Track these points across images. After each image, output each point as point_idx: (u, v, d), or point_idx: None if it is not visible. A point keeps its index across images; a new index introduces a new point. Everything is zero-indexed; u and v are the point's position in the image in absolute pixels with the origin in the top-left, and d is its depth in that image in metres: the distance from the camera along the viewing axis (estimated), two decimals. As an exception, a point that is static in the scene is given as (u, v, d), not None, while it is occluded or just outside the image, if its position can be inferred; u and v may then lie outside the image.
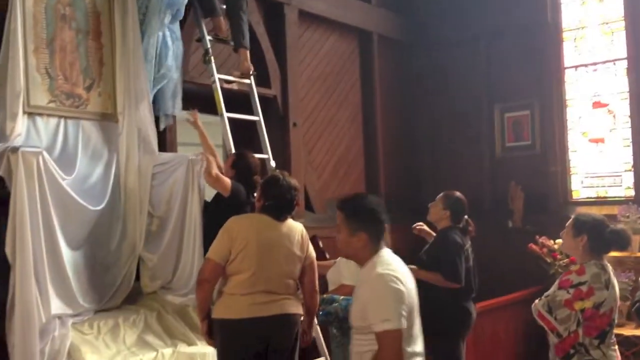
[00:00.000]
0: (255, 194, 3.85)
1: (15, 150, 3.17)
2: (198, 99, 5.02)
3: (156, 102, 4.30)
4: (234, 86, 5.10)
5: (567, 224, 3.15)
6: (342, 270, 3.94)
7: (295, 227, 3.32)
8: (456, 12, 7.11)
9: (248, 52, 4.74)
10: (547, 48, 6.69)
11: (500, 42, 6.88)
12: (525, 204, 6.54)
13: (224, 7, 4.73)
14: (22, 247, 3.10)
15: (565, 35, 6.75)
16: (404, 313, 2.39)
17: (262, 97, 5.06)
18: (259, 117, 4.75)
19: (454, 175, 7.00)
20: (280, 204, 3.24)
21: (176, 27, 4.37)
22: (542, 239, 5.78)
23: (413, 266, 4.10)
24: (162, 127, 4.38)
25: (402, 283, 2.43)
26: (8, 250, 3.08)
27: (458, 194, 4.18)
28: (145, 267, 3.97)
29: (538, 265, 5.82)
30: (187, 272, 3.97)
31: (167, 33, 4.26)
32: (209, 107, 4.98)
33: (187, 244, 3.92)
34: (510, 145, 6.97)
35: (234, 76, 4.69)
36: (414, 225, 4.40)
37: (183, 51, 4.45)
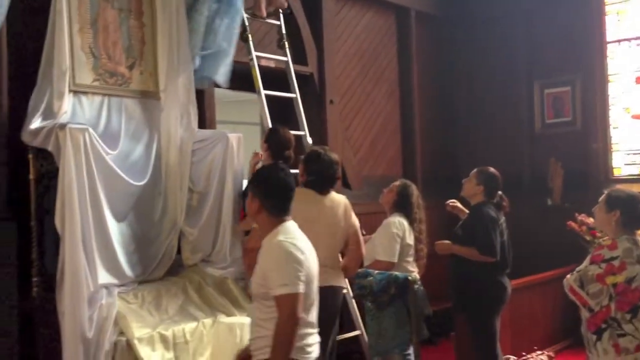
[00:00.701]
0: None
1: (63, 126, 3.29)
2: (236, 76, 5.10)
3: (203, 64, 4.30)
4: (271, 64, 5.16)
5: (600, 199, 3.15)
6: (376, 246, 4.00)
7: (338, 199, 3.41)
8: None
9: None
10: (588, 22, 6.56)
11: (540, 17, 6.77)
12: (564, 181, 6.48)
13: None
14: (70, 219, 3.23)
15: (607, 9, 6.59)
16: (302, 279, 2.48)
17: (298, 75, 5.10)
18: (295, 94, 4.80)
19: (492, 152, 6.95)
20: (322, 178, 3.34)
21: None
22: (582, 217, 5.71)
23: (447, 241, 4.14)
24: (199, 87, 4.38)
25: (301, 252, 2.51)
26: (57, 222, 3.22)
27: (492, 169, 4.19)
28: (186, 240, 4.08)
29: (577, 243, 5.77)
30: (225, 246, 4.07)
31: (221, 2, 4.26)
32: (247, 84, 5.06)
33: (225, 218, 4.01)
34: (550, 122, 6.89)
35: (265, 11, 4.67)
36: (447, 202, 4.42)
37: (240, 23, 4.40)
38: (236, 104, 6.74)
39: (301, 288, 2.47)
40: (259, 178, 2.70)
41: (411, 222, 4.07)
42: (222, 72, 4.33)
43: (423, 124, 6.86)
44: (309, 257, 2.58)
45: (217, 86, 4.83)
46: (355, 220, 3.52)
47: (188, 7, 4.22)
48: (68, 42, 3.71)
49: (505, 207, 4.18)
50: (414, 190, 4.16)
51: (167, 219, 3.98)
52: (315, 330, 2.62)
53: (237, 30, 4.37)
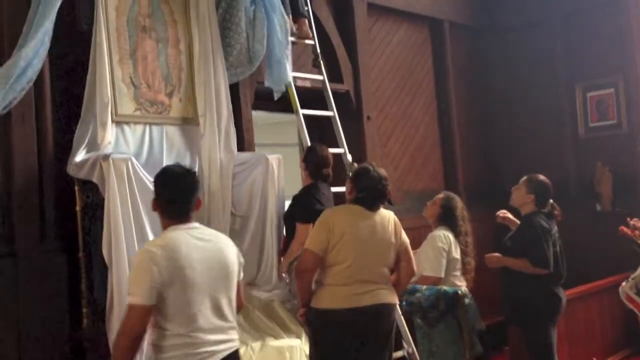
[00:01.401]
0: (324, 184, 3.93)
1: (106, 157, 3.34)
2: (271, 97, 5.13)
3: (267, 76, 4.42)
4: (307, 84, 5.17)
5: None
6: (422, 261, 3.93)
7: (387, 215, 3.38)
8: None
9: (306, 20, 4.80)
10: (629, 22, 6.39)
11: (577, 19, 6.65)
12: (613, 185, 6.28)
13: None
14: (117, 249, 3.26)
15: (648, 6, 6.43)
16: (148, 290, 2.41)
17: (335, 93, 5.09)
18: (333, 112, 4.79)
19: (535, 160, 6.80)
20: (372, 194, 3.31)
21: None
22: (634, 221, 5.52)
23: (497, 254, 4.05)
24: (275, 96, 4.48)
25: (162, 259, 2.44)
26: (105, 252, 3.26)
27: (542, 177, 4.09)
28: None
29: (630, 249, 5.58)
30: (269, 269, 4.06)
31: (261, 7, 4.31)
32: (284, 105, 5.09)
33: (268, 241, 4.01)
34: (594, 125, 6.72)
35: (294, 36, 4.69)
36: (497, 212, 4.32)
37: (284, 22, 4.41)
38: (274, 126, 6.76)
39: (148, 300, 2.41)
40: (157, 180, 2.74)
41: (457, 235, 4.00)
42: (282, 78, 4.40)
43: (462, 135, 6.77)
44: (183, 262, 2.48)
45: (255, 108, 4.90)
46: (405, 237, 3.47)
47: (222, 24, 4.31)
48: (109, 74, 3.80)
49: (557, 215, 4.06)
50: (458, 202, 4.09)
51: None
52: (216, 337, 2.54)
53: (283, 31, 4.37)
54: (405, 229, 5.47)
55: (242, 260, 2.83)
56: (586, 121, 6.76)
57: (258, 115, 5.17)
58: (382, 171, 3.43)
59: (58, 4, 3.54)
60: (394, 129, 6.18)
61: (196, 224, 2.69)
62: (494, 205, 6.61)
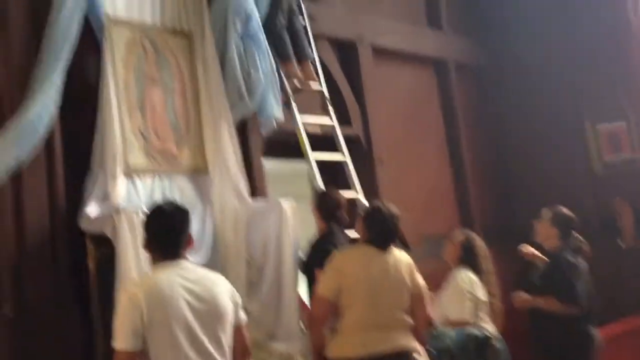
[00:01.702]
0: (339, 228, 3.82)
1: (117, 209, 3.28)
2: (281, 145, 5.09)
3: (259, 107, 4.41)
4: (317, 129, 5.13)
5: None
6: (446, 305, 3.79)
7: (401, 256, 3.25)
8: (531, 31, 6.95)
9: (310, 63, 4.80)
10: (635, 53, 6.38)
11: (583, 54, 6.64)
12: (635, 219, 6.15)
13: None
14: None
15: (654, 38, 6.43)
16: (131, 334, 2.32)
17: (345, 137, 5.05)
18: (345, 156, 4.73)
19: (552, 197, 6.61)
20: (383, 233, 3.19)
21: (256, 35, 4.37)
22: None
23: (524, 294, 3.90)
24: (263, 132, 4.46)
25: (145, 301, 2.32)
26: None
27: (564, 209, 3.98)
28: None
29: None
30: (288, 320, 3.91)
31: (249, 42, 4.33)
32: (294, 153, 5.04)
33: (286, 290, 3.86)
34: (609, 160, 6.63)
35: (296, 82, 4.70)
36: (520, 247, 4.18)
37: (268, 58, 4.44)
38: (285, 178, 6.68)
39: (130, 345, 2.32)
40: (147, 217, 2.64)
41: (479, 275, 3.87)
42: (268, 112, 4.39)
43: (476, 176, 6.69)
44: (167, 301, 2.36)
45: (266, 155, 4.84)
46: (420, 279, 3.34)
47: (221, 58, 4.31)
48: (118, 126, 3.76)
49: (586, 251, 3.92)
50: (478, 241, 3.98)
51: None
52: None
53: (267, 66, 4.38)
54: (423, 274, 5.37)
55: (238, 300, 2.64)
56: (600, 156, 6.68)
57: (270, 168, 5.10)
58: (394, 209, 3.32)
59: (65, 59, 3.54)
60: (407, 172, 6.11)
61: (185, 263, 2.55)
62: (512, 245, 6.53)
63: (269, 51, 4.42)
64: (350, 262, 3.13)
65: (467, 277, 3.81)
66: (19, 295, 3.32)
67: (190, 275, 2.50)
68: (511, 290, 4.02)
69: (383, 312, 3.08)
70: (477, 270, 3.88)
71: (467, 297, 3.74)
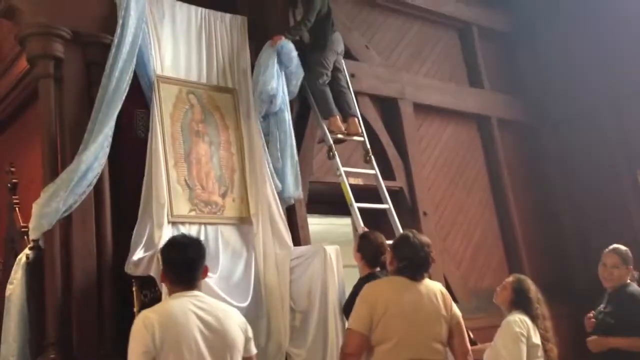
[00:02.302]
0: (382, 272, 3.75)
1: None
2: (325, 197, 5.12)
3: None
4: (360, 181, 5.16)
5: None
6: (499, 350, 3.61)
7: (434, 285, 3.12)
8: (572, 85, 6.93)
9: (356, 119, 4.89)
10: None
11: (627, 103, 6.55)
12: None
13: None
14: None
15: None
16: (142, 356, 2.37)
17: (389, 190, 5.02)
18: (388, 205, 4.71)
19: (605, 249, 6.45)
20: (414, 263, 3.07)
21: (281, 114, 4.49)
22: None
23: (597, 337, 3.70)
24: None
25: (157, 325, 2.40)
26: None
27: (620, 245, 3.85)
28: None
29: None
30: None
31: (271, 121, 4.46)
32: (338, 207, 5.05)
33: (331, 336, 3.78)
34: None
35: (343, 134, 4.79)
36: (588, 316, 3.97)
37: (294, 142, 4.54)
38: (329, 236, 6.67)
39: None
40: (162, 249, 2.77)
41: (534, 319, 3.69)
42: (292, 186, 4.43)
43: (525, 230, 6.51)
44: (173, 329, 2.42)
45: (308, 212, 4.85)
46: (457, 310, 3.18)
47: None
48: (165, 177, 3.88)
49: None
50: (531, 284, 3.81)
51: (272, 343, 3.82)
52: None
53: (290, 140, 4.49)
54: (473, 329, 5.18)
55: (249, 333, 2.67)
56: (655, 206, 6.45)
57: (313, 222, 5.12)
58: (424, 238, 3.20)
59: (117, 112, 3.73)
60: (453, 225, 6.02)
61: (199, 293, 2.62)
62: (567, 300, 6.27)
63: (291, 130, 4.52)
64: (381, 293, 3.01)
65: (521, 321, 3.63)
66: (64, 340, 3.35)
67: (204, 305, 2.56)
68: (565, 349, 3.83)
69: (418, 344, 2.93)
70: (531, 314, 3.70)
71: (522, 341, 3.55)
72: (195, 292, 2.59)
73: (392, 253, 3.19)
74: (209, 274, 3.57)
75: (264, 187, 4.28)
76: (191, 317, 2.47)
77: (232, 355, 2.52)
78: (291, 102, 4.94)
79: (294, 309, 3.92)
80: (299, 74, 4.59)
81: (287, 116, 4.53)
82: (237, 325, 2.60)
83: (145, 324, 2.41)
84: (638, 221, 6.42)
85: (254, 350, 2.67)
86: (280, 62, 4.47)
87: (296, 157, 4.53)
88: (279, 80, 4.45)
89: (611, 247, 3.92)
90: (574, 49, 6.98)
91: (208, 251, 3.82)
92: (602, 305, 3.96)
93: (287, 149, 4.46)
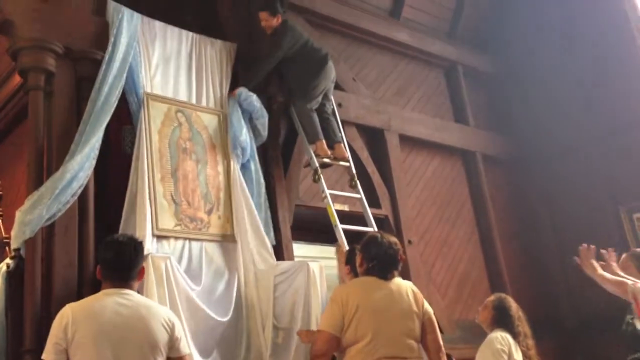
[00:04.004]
0: None
1: (145, 257, 3.30)
2: (311, 223, 5.14)
3: None
4: (346, 207, 5.20)
5: None
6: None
7: (404, 283, 3.14)
8: (556, 122, 7.08)
9: (342, 145, 4.96)
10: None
11: (610, 140, 6.68)
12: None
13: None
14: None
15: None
16: (53, 349, 2.49)
17: (374, 218, 5.04)
18: (374, 228, 4.73)
19: (591, 284, 6.43)
20: (383, 261, 3.10)
21: (248, 165, 4.54)
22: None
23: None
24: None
25: (72, 319, 2.50)
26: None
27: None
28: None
29: None
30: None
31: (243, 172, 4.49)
32: (323, 234, 5.07)
33: (314, 352, 3.75)
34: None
35: (329, 158, 4.83)
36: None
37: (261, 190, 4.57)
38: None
39: (50, 357, 2.48)
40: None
41: (515, 337, 3.69)
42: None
43: (510, 265, 6.53)
44: (96, 325, 2.51)
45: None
46: (428, 306, 3.20)
47: None
48: (151, 191, 3.89)
49: None
50: (512, 303, 3.83)
51: (252, 358, 3.77)
52: None
53: (261, 189, 4.54)
54: (462, 359, 5.15)
55: (178, 334, 2.69)
56: (638, 244, 6.49)
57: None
58: (392, 237, 3.24)
59: (104, 125, 3.76)
60: (438, 257, 6.03)
61: (129, 291, 2.69)
62: (553, 337, 6.24)
63: (261, 178, 4.56)
64: (351, 294, 3.02)
65: (502, 338, 3.64)
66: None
67: (128, 302, 2.63)
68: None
69: (391, 342, 2.92)
70: (512, 331, 3.71)
71: (503, 358, 3.55)
72: (125, 290, 2.67)
73: (361, 254, 3.21)
74: (192, 286, 3.59)
75: (250, 205, 4.30)
76: (108, 313, 2.54)
77: (152, 352, 2.56)
78: (279, 126, 5.04)
79: (277, 327, 3.89)
80: (264, 117, 4.63)
81: (255, 165, 4.58)
82: (161, 323, 2.64)
83: (61, 317, 2.52)
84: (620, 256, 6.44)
85: (184, 351, 2.71)
86: (243, 111, 4.55)
87: (267, 204, 4.56)
88: (248, 131, 4.54)
89: (630, 252, 3.93)
90: (558, 88, 7.17)
91: (191, 267, 3.89)
92: (629, 316, 3.91)
93: (257, 197, 4.49)
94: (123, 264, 2.71)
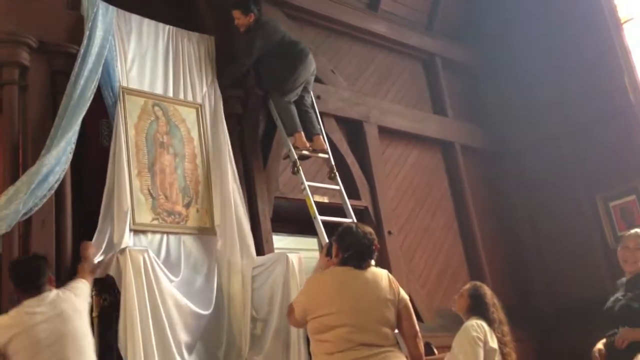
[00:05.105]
0: None
1: (123, 250, 3.32)
2: (291, 215, 5.15)
3: None
4: (325, 199, 5.22)
5: None
6: (456, 355, 3.66)
7: (380, 272, 3.17)
8: (533, 115, 7.14)
9: (321, 137, 4.96)
10: (638, 129, 6.50)
11: (586, 132, 6.75)
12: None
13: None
14: (133, 346, 3.11)
15: (655, 114, 6.57)
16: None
17: (354, 209, 5.06)
18: (353, 220, 4.76)
19: (568, 273, 6.60)
20: (359, 251, 3.14)
21: None
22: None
23: (628, 329, 3.69)
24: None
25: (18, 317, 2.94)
26: (121, 346, 3.11)
27: None
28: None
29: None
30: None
31: None
32: (302, 226, 5.09)
33: (293, 343, 3.79)
34: (623, 234, 6.53)
35: (308, 150, 4.82)
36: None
37: None
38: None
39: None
40: None
41: (491, 324, 3.74)
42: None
43: (488, 253, 6.60)
44: (36, 319, 2.91)
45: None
46: (404, 294, 3.22)
47: None
48: (128, 185, 3.89)
49: None
50: (487, 290, 3.89)
51: (233, 351, 3.79)
52: None
53: None
54: (438, 347, 5.21)
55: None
56: (614, 231, 6.60)
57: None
58: (367, 227, 3.29)
59: (80, 119, 3.75)
60: (418, 247, 6.08)
61: (43, 295, 3.04)
62: (530, 323, 6.33)
63: None
64: (322, 286, 3.09)
65: (478, 325, 3.69)
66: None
67: (46, 300, 3.02)
68: None
69: (367, 330, 2.96)
70: (487, 318, 3.76)
71: (479, 345, 3.60)
72: (43, 296, 3.03)
73: (336, 245, 3.24)
74: (171, 278, 3.60)
75: (232, 198, 4.31)
76: (35, 317, 2.92)
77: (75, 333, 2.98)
78: (258, 119, 5.05)
79: (255, 318, 3.91)
80: None
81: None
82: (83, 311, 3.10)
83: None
84: (597, 244, 6.56)
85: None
86: None
87: None
88: None
89: (632, 230, 3.99)
90: (534, 81, 7.22)
91: (169, 260, 3.90)
92: (619, 294, 3.96)
93: None
94: (32, 279, 3.10)
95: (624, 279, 4.09)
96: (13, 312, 2.97)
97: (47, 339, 2.88)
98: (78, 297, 3.11)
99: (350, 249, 3.15)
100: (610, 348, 3.81)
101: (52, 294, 3.06)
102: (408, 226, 6.08)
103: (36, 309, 2.94)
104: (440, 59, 7.20)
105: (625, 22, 6.86)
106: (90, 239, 3.65)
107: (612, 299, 4.00)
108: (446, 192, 6.66)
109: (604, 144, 6.65)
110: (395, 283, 3.19)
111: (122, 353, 3.10)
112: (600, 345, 3.91)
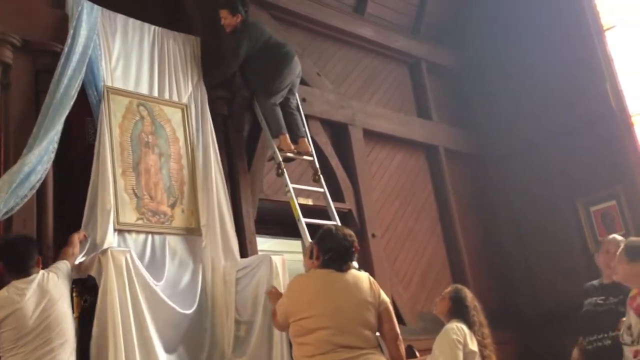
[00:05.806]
0: None
1: (104, 251, 3.30)
2: (275, 217, 5.16)
3: None
4: (310, 201, 5.23)
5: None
6: (437, 357, 3.68)
7: (360, 274, 3.19)
8: (516, 120, 7.20)
9: (306, 140, 4.98)
10: (619, 136, 6.58)
11: (568, 138, 6.82)
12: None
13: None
14: (114, 346, 3.10)
15: (635, 119, 6.66)
16: None
17: (338, 211, 5.08)
18: (336, 222, 4.77)
19: (549, 278, 6.66)
20: (339, 253, 3.15)
21: None
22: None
23: None
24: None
25: (9, 298, 3.00)
26: (93, 347, 3.11)
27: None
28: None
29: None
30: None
31: None
32: (286, 228, 5.09)
33: (276, 345, 3.78)
34: (602, 240, 6.61)
35: (292, 153, 4.83)
36: None
37: None
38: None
39: None
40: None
41: (471, 326, 3.77)
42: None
43: (471, 257, 6.65)
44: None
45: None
46: (385, 297, 3.24)
47: None
48: (112, 184, 3.87)
49: None
50: (468, 293, 3.91)
51: (216, 353, 3.79)
52: None
53: None
54: (420, 350, 5.23)
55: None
56: (594, 235, 6.67)
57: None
58: (347, 230, 3.31)
59: (63, 118, 3.73)
60: (401, 250, 6.11)
61: (31, 277, 3.12)
62: (513, 326, 6.38)
63: None
64: (304, 288, 3.10)
65: (458, 328, 3.71)
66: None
67: (42, 282, 3.11)
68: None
69: (348, 332, 2.97)
70: (468, 321, 3.79)
71: (459, 348, 3.62)
72: (32, 277, 3.11)
73: (317, 247, 3.25)
74: (154, 280, 3.59)
75: (217, 199, 4.31)
76: (25, 299, 2.98)
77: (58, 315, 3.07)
78: (243, 120, 5.05)
79: (239, 320, 3.91)
80: None
81: None
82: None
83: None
84: (578, 247, 6.63)
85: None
86: None
87: None
88: None
89: (610, 236, 4.01)
90: (519, 87, 7.29)
91: (154, 260, 3.89)
92: (597, 298, 3.95)
93: None
94: (20, 258, 3.17)
95: (594, 282, 4.12)
96: (3, 293, 3.02)
97: (33, 320, 2.97)
98: (60, 278, 3.21)
99: (330, 252, 3.16)
100: (597, 354, 3.83)
101: (39, 275, 3.14)
102: (392, 229, 6.10)
103: (25, 291, 3.02)
104: (425, 63, 7.24)
105: (608, 29, 6.95)
106: (74, 239, 3.63)
107: (588, 302, 4.03)
108: (430, 195, 6.70)
109: (585, 149, 6.72)
110: (376, 285, 3.20)
111: (93, 350, 3.10)
112: (577, 352, 3.95)
